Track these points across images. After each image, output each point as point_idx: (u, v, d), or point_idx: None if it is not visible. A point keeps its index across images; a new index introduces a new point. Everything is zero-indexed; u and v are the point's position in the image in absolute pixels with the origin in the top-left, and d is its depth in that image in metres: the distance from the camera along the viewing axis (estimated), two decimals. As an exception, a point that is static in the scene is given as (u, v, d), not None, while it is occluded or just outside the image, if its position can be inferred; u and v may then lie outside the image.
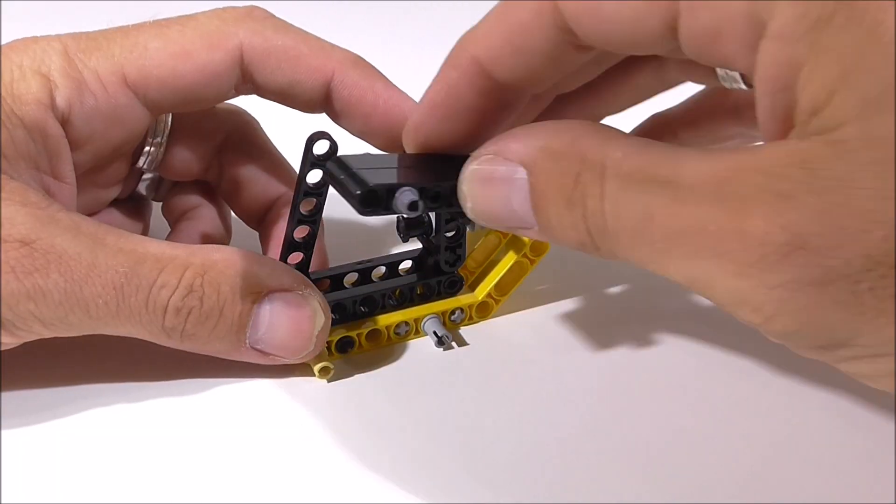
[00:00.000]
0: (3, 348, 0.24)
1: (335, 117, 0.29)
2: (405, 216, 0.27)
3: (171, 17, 0.28)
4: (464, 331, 0.30)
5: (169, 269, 0.24)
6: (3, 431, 0.24)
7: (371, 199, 0.23)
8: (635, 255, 0.19)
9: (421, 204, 0.23)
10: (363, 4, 0.60)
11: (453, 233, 0.29)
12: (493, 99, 0.23)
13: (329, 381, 0.27)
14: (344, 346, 0.28)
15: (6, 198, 0.23)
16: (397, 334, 0.29)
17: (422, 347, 0.29)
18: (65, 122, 0.26)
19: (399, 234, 0.28)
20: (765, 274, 0.16)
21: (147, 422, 0.25)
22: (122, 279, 0.23)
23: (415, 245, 0.30)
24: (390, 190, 0.23)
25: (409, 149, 0.25)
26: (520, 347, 0.29)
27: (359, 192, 0.23)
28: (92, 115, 0.26)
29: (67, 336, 0.24)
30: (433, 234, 0.28)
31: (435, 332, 0.28)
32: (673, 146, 0.19)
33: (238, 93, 0.28)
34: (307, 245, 0.27)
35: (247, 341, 0.25)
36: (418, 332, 0.29)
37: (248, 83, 0.28)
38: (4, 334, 0.23)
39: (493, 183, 0.21)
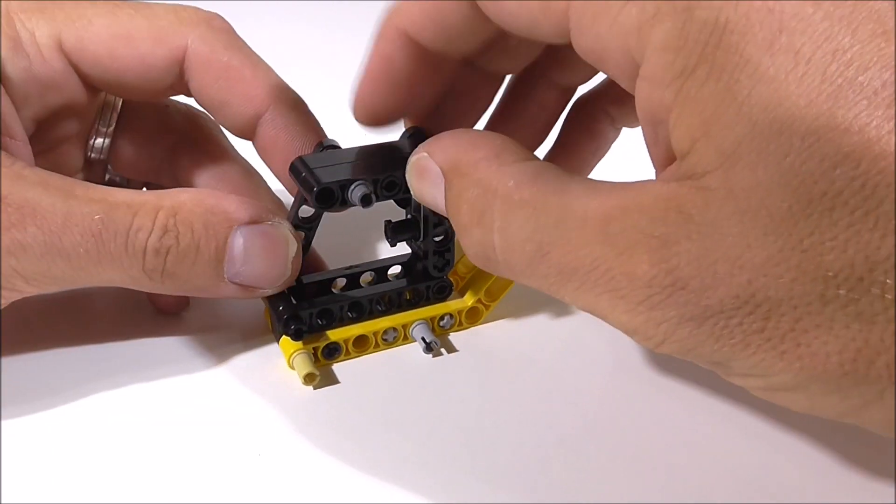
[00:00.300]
0: None
1: (258, 151, 0.29)
2: (393, 222, 0.28)
3: (128, 1, 0.28)
4: (453, 337, 0.29)
5: (142, 213, 0.24)
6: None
7: (326, 196, 0.25)
8: (531, 283, 0.21)
9: (373, 196, 0.25)
10: (363, 4, 0.60)
11: (441, 237, 0.28)
12: (425, 65, 0.25)
13: (315, 388, 0.27)
14: (331, 352, 0.27)
15: None
16: (385, 340, 0.28)
17: (410, 354, 0.28)
18: (2, 82, 0.26)
19: (387, 239, 0.28)
20: (652, 311, 0.18)
21: (124, 426, 0.25)
22: (98, 226, 0.23)
23: (405, 249, 0.30)
24: (343, 185, 0.25)
25: (360, 122, 0.26)
26: (509, 354, 0.29)
27: (315, 190, 0.25)
28: (25, 77, 0.26)
29: (50, 292, 0.24)
30: (421, 238, 0.28)
31: (423, 338, 0.28)
32: (563, 175, 0.21)
33: (173, 92, 0.29)
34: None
35: (225, 276, 0.25)
36: (406, 338, 0.29)
37: (184, 86, 0.28)
38: (3, 291, 0.23)
39: (425, 179, 0.23)
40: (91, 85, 0.28)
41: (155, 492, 0.23)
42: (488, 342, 0.29)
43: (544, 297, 0.31)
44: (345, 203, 0.25)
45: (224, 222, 0.25)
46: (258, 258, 0.25)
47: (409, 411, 0.26)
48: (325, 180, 0.25)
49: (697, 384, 0.27)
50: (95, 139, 0.29)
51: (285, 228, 0.26)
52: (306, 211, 0.27)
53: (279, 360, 0.28)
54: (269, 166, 0.29)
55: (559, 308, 0.31)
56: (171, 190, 0.25)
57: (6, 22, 0.26)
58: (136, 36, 0.27)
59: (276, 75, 0.29)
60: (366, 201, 0.25)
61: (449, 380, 0.27)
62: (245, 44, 0.28)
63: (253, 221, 0.25)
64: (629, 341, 0.29)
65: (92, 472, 0.23)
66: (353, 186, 0.25)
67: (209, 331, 0.29)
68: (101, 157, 0.30)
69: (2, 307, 0.24)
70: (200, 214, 0.25)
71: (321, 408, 0.26)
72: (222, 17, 0.29)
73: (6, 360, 0.25)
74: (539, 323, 0.30)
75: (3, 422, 0.25)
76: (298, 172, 0.26)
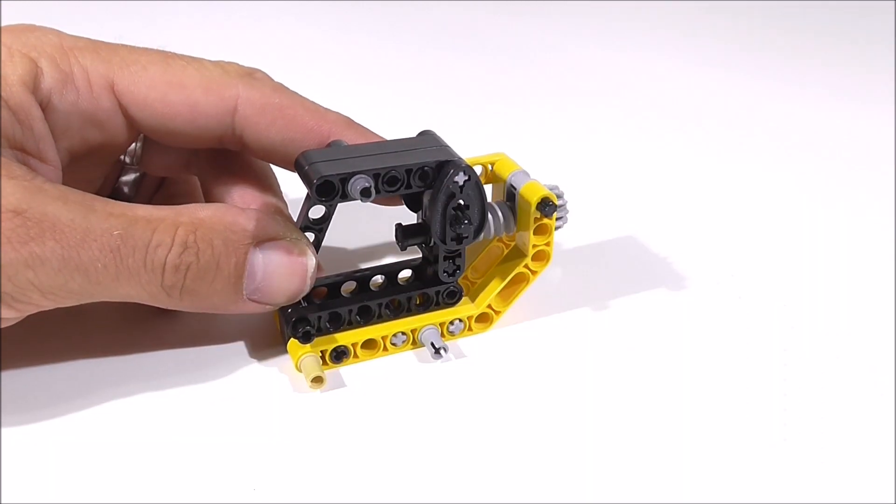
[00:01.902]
0: (3, 325, 0.24)
1: None
2: (403, 226, 0.27)
3: (178, 53, 0.28)
4: (462, 342, 0.29)
5: (161, 229, 0.24)
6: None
7: (326, 189, 0.25)
8: None
9: (373, 190, 0.25)
10: (363, 4, 0.60)
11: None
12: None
13: (322, 391, 0.26)
14: (339, 355, 0.27)
15: None
16: (394, 344, 0.28)
17: (418, 359, 0.28)
18: (45, 109, 0.26)
19: (397, 243, 0.28)
20: None
21: (129, 432, 0.25)
22: (117, 241, 0.23)
23: (416, 254, 0.29)
24: (344, 178, 0.25)
25: None
26: (519, 360, 0.28)
27: (315, 182, 0.25)
28: (71, 110, 0.27)
29: (66, 306, 0.24)
30: (432, 243, 0.28)
31: (432, 343, 0.28)
32: None
33: (219, 143, 0.29)
34: None
35: (244, 292, 0.25)
36: (415, 343, 0.28)
37: (233, 138, 0.28)
38: (4, 308, 0.23)
39: None
40: (137, 127, 0.28)
41: (161, 497, 0.23)
42: (498, 348, 0.29)
43: (555, 304, 0.32)
44: (345, 196, 0.25)
45: (243, 239, 0.25)
46: (278, 275, 0.25)
47: (416, 417, 0.26)
48: (325, 173, 0.25)
49: (713, 392, 0.27)
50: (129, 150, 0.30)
51: (304, 244, 0.26)
52: (316, 212, 0.26)
53: (287, 363, 0.27)
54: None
55: (570, 314, 0.31)
56: (189, 206, 0.25)
57: (59, 55, 0.26)
58: (188, 84, 0.27)
59: (321, 105, 0.29)
60: (365, 194, 0.25)
61: (457, 386, 0.27)
62: (286, 86, 0.29)
63: (272, 238, 0.25)
64: (643, 348, 0.29)
65: (96, 480, 0.23)
66: (353, 179, 0.25)
67: (215, 333, 0.29)
68: (134, 162, 0.30)
69: (17, 320, 0.24)
70: (220, 231, 0.25)
71: (328, 412, 0.26)
72: (262, 70, 0.29)
73: (15, 369, 0.25)
74: (549, 329, 0.30)
75: (9, 429, 0.25)
76: (301, 166, 0.26)
